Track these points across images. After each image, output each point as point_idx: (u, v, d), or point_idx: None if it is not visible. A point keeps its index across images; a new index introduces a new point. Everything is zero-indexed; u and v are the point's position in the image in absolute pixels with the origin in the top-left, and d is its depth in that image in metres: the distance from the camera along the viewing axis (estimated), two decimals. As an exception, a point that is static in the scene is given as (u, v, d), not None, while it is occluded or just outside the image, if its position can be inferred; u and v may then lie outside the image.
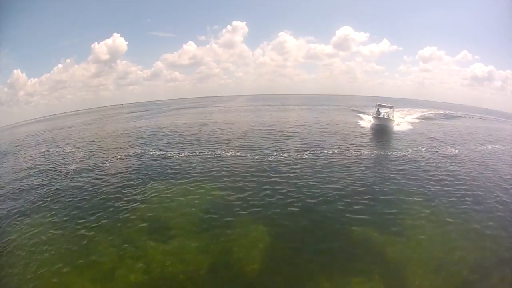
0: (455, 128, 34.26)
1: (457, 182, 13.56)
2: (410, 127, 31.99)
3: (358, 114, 44.56)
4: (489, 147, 22.24)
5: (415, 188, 12.81)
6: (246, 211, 10.84)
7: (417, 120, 38.93)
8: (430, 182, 13.47)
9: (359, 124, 33.27)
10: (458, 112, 61.00)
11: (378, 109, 33.03)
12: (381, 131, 28.04)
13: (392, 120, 29.78)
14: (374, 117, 31.02)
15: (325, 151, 19.13)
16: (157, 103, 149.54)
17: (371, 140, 24.27)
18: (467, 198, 11.76)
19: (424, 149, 20.22)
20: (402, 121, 34.60)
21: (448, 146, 21.39)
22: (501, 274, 7.51)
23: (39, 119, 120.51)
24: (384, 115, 30.95)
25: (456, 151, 20.08)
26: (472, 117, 52.78)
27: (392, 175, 14.56)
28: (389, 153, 19.04)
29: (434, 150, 20.13)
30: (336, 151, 19.10)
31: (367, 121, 34.84)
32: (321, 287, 7.13)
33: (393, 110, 32.83)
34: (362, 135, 26.07)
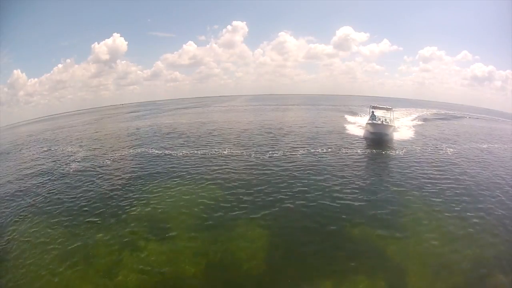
0: (460, 128, 34.19)
1: (457, 180, 13.55)
2: (413, 131, 27.57)
3: (352, 116, 39.94)
4: (485, 146, 22.29)
5: (414, 187, 12.80)
6: (246, 210, 10.85)
7: (419, 122, 36.30)
8: (429, 181, 13.46)
9: (349, 132, 27.40)
10: (458, 112, 60.97)
11: (373, 112, 27.22)
12: (378, 141, 22.44)
13: (392, 125, 24.03)
14: (369, 123, 24.64)
15: (319, 149, 19.34)
16: (157, 103, 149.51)
17: (365, 153, 19.10)
18: (471, 197, 11.75)
19: (421, 149, 20.14)
20: (403, 124, 30.46)
21: (443, 145, 21.37)
22: (501, 271, 7.51)
23: (39, 119, 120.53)
24: (382, 120, 25.34)
25: (451, 150, 20.09)
26: (471, 117, 52.71)
27: (390, 174, 14.58)
28: (383, 153, 19.04)
29: (436, 151, 20.11)
30: (329, 150, 19.12)
31: (357, 126, 29.75)
32: (321, 286, 7.13)
33: (392, 112, 27.15)
34: (353, 149, 19.62)
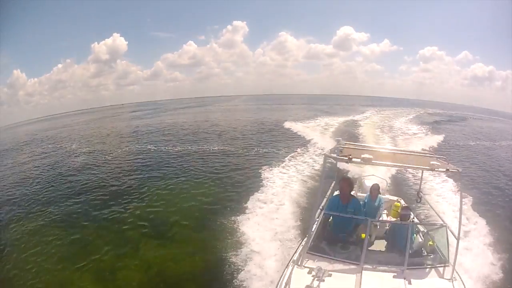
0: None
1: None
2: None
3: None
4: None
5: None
6: (246, 208, 10.76)
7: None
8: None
9: None
10: (472, 114, 60.13)
11: (364, 181, 7.84)
12: None
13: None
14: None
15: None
16: (157, 103, 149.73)
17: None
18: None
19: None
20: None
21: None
22: (501, 272, 7.44)
23: (40, 119, 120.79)
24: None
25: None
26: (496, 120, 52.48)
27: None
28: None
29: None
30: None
31: None
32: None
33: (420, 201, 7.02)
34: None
